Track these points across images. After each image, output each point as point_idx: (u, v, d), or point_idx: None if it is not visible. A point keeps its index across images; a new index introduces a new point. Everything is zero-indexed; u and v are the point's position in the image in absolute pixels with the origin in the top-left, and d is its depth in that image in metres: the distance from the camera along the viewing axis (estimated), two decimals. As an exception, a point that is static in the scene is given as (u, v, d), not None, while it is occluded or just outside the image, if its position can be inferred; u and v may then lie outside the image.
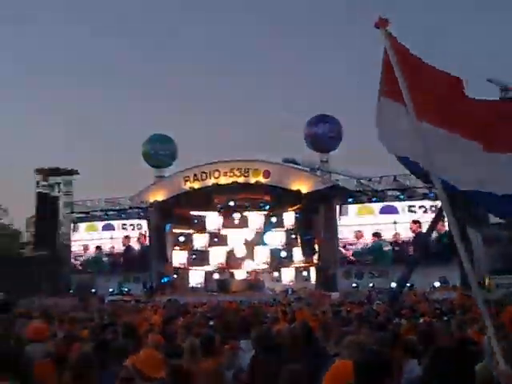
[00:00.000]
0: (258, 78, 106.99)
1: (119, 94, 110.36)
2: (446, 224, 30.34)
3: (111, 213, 45.19)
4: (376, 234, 38.15)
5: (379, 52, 3.70)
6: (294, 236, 42.59)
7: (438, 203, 26.76)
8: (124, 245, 43.50)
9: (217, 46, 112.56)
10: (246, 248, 44.49)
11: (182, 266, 44.19)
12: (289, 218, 43.16)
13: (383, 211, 38.31)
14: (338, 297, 30.57)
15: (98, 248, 44.10)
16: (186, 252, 44.34)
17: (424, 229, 33.75)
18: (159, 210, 42.07)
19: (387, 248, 37.84)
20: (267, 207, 43.16)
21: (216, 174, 41.48)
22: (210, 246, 44.65)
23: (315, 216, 40.07)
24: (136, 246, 43.43)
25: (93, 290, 40.89)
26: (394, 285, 27.60)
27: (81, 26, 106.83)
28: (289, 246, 43.21)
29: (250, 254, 44.44)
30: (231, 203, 42.86)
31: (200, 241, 44.72)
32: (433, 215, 32.20)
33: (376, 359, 3.17)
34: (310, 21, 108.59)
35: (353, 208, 39.14)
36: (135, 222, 43.67)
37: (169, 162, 48.50)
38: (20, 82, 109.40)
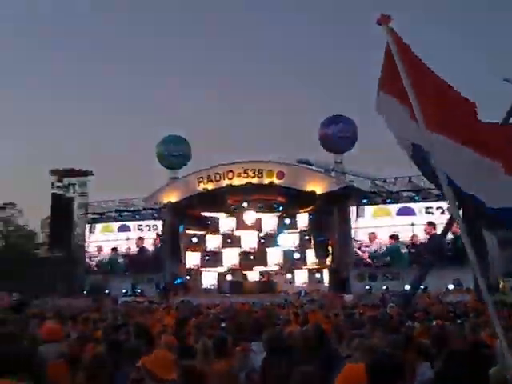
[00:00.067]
0: (270, 79, 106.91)
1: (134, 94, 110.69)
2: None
3: (125, 214, 45.38)
4: (393, 237, 37.97)
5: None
6: (307, 237, 42.43)
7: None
8: (138, 246, 43.67)
9: (233, 47, 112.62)
10: (259, 250, 44.49)
11: (195, 268, 44.25)
12: (302, 219, 43.05)
13: (400, 213, 38.14)
14: (351, 299, 30.44)
15: (114, 249, 44.29)
16: (199, 253, 44.40)
17: (439, 230, 33.49)
18: (173, 211, 42.19)
19: (404, 250, 37.64)
20: (281, 208, 43.11)
21: (230, 175, 41.50)
22: (223, 247, 44.68)
23: (329, 217, 39.91)
24: (150, 248, 43.58)
25: (106, 291, 41.11)
26: (407, 287, 27.42)
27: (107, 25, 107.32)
28: (302, 247, 43.08)
29: (263, 256, 44.42)
30: (245, 204, 42.82)
31: (213, 242, 44.78)
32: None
33: (389, 362, 3.16)
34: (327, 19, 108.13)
35: (369, 209, 39.01)
36: (151, 222, 43.82)
37: (183, 163, 48.58)
38: (35, 82, 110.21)
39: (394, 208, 38.54)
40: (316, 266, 42.37)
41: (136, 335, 6.44)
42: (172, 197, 42.54)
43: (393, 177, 39.43)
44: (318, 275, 42.26)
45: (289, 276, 43.54)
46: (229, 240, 44.60)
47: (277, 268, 44.07)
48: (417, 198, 38.13)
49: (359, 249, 38.70)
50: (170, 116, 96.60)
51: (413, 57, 3.63)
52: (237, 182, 41.29)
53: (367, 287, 36.96)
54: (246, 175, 41.13)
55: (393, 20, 3.64)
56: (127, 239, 44.05)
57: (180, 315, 12.34)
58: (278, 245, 44.03)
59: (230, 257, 44.56)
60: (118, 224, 44.67)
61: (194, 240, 43.92)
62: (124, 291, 40.86)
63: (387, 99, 3.75)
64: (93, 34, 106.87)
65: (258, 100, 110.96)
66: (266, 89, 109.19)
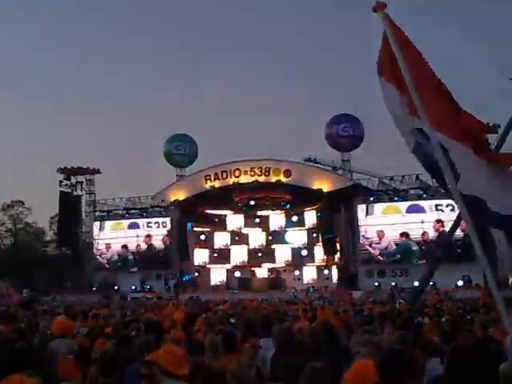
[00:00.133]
0: (270, 79, 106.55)
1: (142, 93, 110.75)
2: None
3: (133, 211, 45.49)
4: (404, 234, 37.90)
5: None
6: (315, 235, 42.49)
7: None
8: (146, 243, 43.77)
9: (235, 47, 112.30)
10: (266, 247, 44.53)
11: (204, 265, 44.41)
12: (310, 216, 43.08)
13: (410, 210, 38.05)
14: (360, 295, 30.43)
15: (125, 247, 44.36)
16: (208, 250, 44.54)
17: (448, 228, 33.37)
18: (180, 208, 42.26)
19: (415, 248, 37.57)
20: (288, 206, 43.12)
21: (237, 173, 41.49)
22: (231, 244, 44.82)
23: (336, 215, 39.91)
24: (158, 245, 43.65)
25: (115, 288, 41.23)
26: (416, 283, 27.36)
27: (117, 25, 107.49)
28: (310, 244, 43.16)
29: (271, 253, 44.46)
30: (252, 202, 42.82)
31: (221, 239, 44.90)
32: (459, 213, 31.78)
33: (399, 359, 3.16)
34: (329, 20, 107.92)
35: (378, 207, 38.96)
36: (160, 220, 43.88)
37: (190, 161, 48.63)
38: (35, 82, 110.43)
39: (403, 205, 38.44)
40: (324, 263, 42.41)
41: (146, 331, 6.46)
42: (179, 194, 42.60)
43: (400, 175, 39.39)
44: (326, 272, 42.34)
45: (297, 273, 43.61)
46: (236, 237, 44.73)
47: (285, 265, 44.13)
48: (425, 195, 37.99)
49: (370, 246, 38.63)
50: (170, 116, 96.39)
51: (408, 43, 3.63)
52: (244, 179, 41.28)
53: (376, 283, 36.93)
54: (252, 173, 41.12)
55: (388, 6, 3.65)
56: (137, 236, 44.14)
57: (189, 312, 12.36)
58: (285, 242, 44.06)
59: (238, 254, 44.67)
60: (128, 221, 44.75)
61: (202, 237, 44.09)
62: (133, 288, 41.00)
63: (389, 88, 3.76)
64: (93, 34, 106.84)
65: (258, 100, 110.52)
66: (266, 89, 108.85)
